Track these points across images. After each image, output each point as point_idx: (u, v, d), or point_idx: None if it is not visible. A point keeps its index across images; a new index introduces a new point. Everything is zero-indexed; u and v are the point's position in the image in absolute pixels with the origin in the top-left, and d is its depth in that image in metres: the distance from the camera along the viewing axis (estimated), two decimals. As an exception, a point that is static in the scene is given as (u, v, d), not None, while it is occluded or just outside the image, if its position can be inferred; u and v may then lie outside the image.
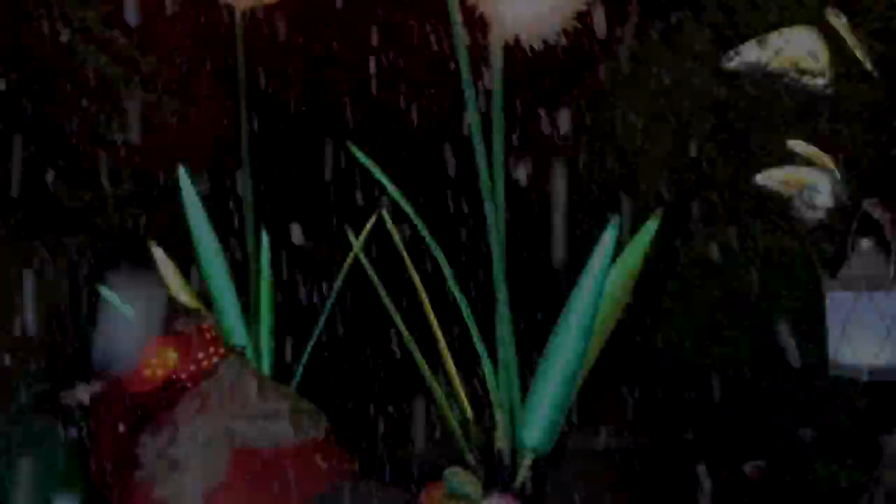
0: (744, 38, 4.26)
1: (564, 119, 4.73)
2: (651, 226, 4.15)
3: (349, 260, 4.83)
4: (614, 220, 3.26)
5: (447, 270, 4.17)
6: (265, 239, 5.44)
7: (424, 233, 4.22)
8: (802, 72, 3.73)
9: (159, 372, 3.54)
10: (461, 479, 3.71)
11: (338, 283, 5.00)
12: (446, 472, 3.76)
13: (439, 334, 4.41)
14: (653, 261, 4.55)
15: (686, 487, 4.05)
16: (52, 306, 4.50)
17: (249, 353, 5.09)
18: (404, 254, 4.51)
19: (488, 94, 3.76)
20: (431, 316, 4.46)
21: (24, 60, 3.34)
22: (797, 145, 3.70)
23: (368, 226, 4.80)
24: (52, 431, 3.37)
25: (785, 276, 4.11)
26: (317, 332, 5.02)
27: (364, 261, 4.31)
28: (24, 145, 3.44)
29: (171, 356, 3.57)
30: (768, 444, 4.11)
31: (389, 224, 4.57)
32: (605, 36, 4.73)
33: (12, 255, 3.66)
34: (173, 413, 3.45)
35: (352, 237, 4.62)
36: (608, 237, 3.25)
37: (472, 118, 3.72)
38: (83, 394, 3.56)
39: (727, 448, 4.24)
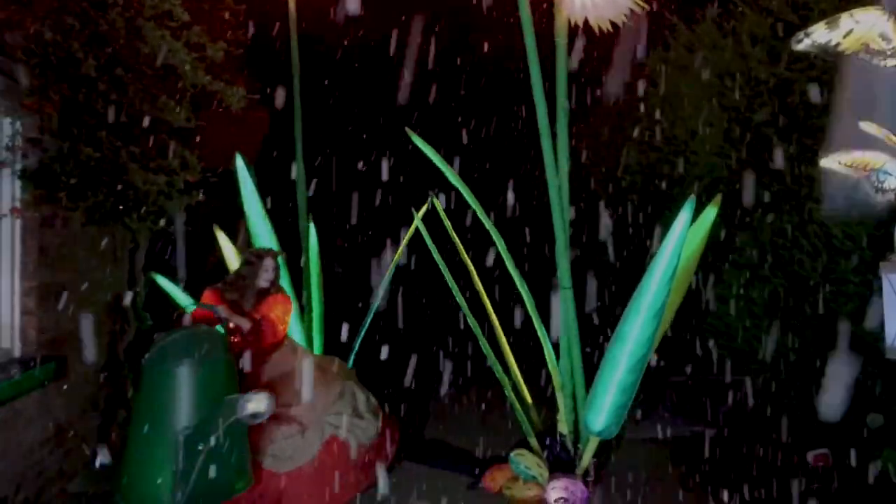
0: (804, 21, 4.20)
1: (624, 103, 4.69)
2: (711, 212, 4.12)
3: (408, 235, 4.85)
4: (690, 200, 3.20)
5: (506, 254, 4.16)
6: (313, 230, 5.49)
7: (483, 217, 4.23)
8: (874, 53, 3.66)
9: (282, 329, 3.69)
10: (528, 462, 3.72)
11: (390, 269, 5.03)
12: (512, 454, 3.76)
13: (494, 318, 4.41)
14: (712, 247, 4.51)
15: (746, 476, 4.01)
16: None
17: (304, 339, 5.14)
18: (456, 239, 4.52)
19: (553, 74, 3.74)
20: (485, 299, 4.46)
21: (99, 47, 3.40)
22: (868, 126, 3.63)
23: (424, 208, 4.82)
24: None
25: (850, 261, 4.04)
26: (369, 316, 5.05)
27: (424, 233, 4.32)
28: (97, 130, 3.50)
29: (285, 317, 3.72)
30: (834, 431, 4.06)
31: (441, 209, 4.59)
32: (664, 21, 4.72)
33: (88, 238, 3.72)
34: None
35: (413, 213, 4.65)
36: (683, 217, 3.20)
37: (537, 99, 3.69)
38: None
39: (791, 436, 4.20)
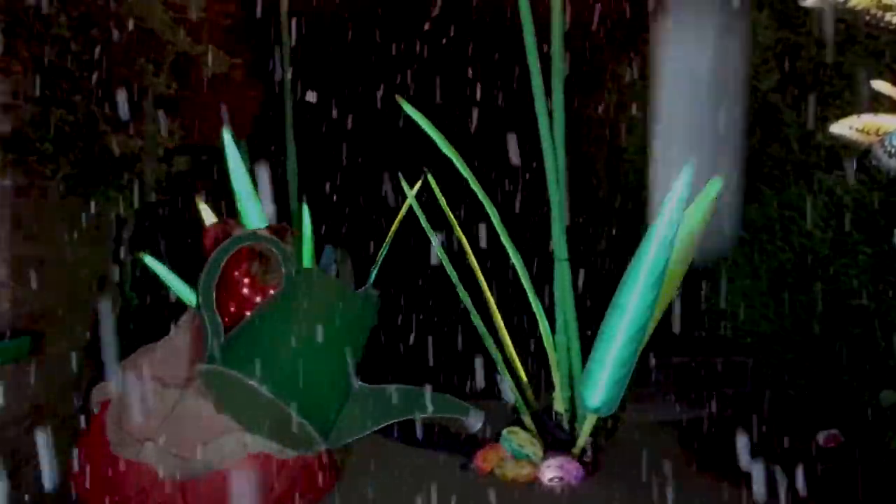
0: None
1: (623, 70, 4.52)
2: (715, 183, 3.94)
3: (402, 212, 4.69)
4: (689, 163, 3.03)
5: (500, 226, 4.00)
6: (306, 208, 5.33)
7: (476, 187, 4.06)
8: (887, 7, 3.48)
9: None
10: (520, 440, 3.55)
11: (385, 246, 4.87)
12: (504, 432, 3.60)
13: (489, 294, 4.24)
14: (717, 220, 4.33)
15: (753, 458, 3.84)
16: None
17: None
18: (449, 213, 4.36)
19: (548, 41, 3.59)
20: (479, 274, 4.29)
21: (72, 4, 3.27)
22: (881, 86, 3.45)
23: (418, 184, 4.65)
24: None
25: (863, 231, 3.85)
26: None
27: (418, 211, 4.15)
28: (71, 93, 3.36)
29: None
30: (845, 410, 3.87)
31: (434, 185, 4.43)
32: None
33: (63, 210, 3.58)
34: None
35: (406, 187, 4.48)
36: (683, 180, 3.03)
37: (531, 66, 3.54)
38: None
39: (801, 416, 4.02)
